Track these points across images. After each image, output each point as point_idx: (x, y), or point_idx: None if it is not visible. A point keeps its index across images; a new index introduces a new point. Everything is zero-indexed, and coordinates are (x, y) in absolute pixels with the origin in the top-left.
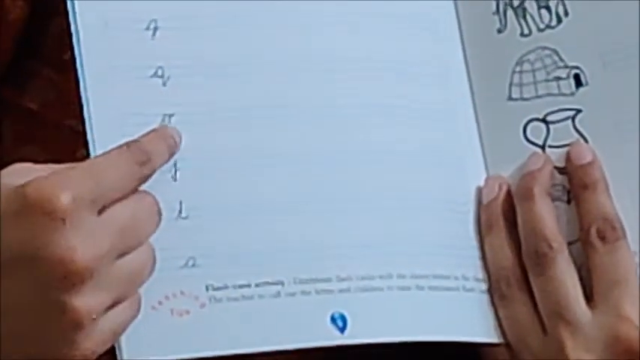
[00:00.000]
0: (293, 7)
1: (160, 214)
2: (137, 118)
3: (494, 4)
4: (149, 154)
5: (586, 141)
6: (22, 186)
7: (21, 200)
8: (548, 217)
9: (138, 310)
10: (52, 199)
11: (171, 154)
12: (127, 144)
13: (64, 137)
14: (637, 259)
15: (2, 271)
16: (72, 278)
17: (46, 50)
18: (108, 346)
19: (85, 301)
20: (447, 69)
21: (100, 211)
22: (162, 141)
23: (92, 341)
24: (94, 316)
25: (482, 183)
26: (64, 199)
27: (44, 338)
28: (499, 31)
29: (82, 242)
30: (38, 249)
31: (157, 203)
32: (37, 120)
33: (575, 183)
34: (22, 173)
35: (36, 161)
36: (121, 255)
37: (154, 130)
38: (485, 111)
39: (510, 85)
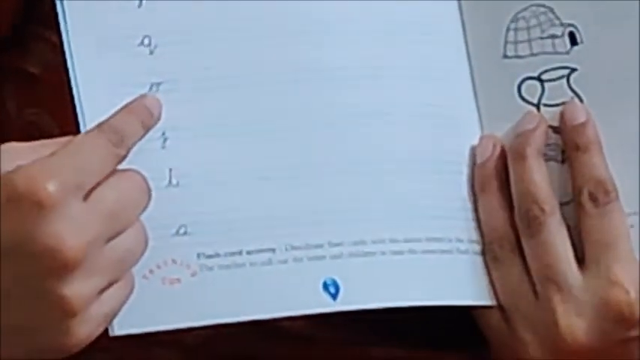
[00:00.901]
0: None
1: (149, 191)
2: (125, 88)
3: None
4: (122, 132)
5: (581, 100)
6: (9, 175)
7: (8, 190)
8: (540, 178)
9: (131, 290)
10: (39, 188)
11: (148, 127)
12: (100, 126)
13: (66, 98)
14: (635, 220)
15: None
16: (62, 267)
17: (45, 13)
18: (103, 328)
19: (77, 288)
20: (442, 26)
21: (86, 196)
22: (133, 117)
23: (87, 327)
24: (87, 303)
25: (476, 142)
26: (51, 187)
27: (38, 328)
28: None
29: (70, 230)
30: (27, 239)
31: (144, 180)
32: (39, 84)
33: (568, 143)
34: (12, 155)
35: (41, 124)
36: (112, 237)
37: (125, 107)
38: (480, 69)
39: (505, 42)
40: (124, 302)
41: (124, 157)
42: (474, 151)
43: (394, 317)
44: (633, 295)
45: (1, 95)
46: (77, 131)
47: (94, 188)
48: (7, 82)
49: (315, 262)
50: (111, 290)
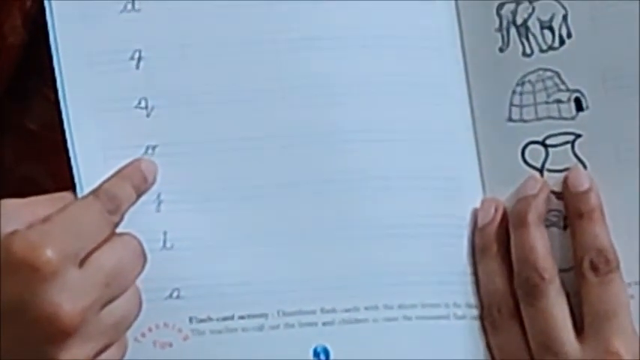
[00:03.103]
0: (281, 33)
1: (144, 255)
2: (120, 150)
3: (497, 21)
4: (117, 200)
5: (585, 167)
6: (7, 240)
7: (6, 255)
8: (541, 246)
9: (125, 352)
10: (38, 256)
11: (142, 192)
12: (95, 192)
13: (64, 154)
14: (635, 290)
15: None
16: (59, 334)
17: (45, 71)
18: None
19: (73, 354)
20: (448, 88)
21: (82, 262)
22: (127, 183)
23: None
24: None
25: (478, 205)
26: (50, 254)
27: None
28: (501, 49)
29: (67, 297)
30: (25, 306)
31: (140, 245)
32: (37, 140)
33: (570, 211)
34: (7, 213)
35: (37, 178)
36: (108, 302)
37: (120, 171)
38: (484, 131)
39: (510, 105)
40: None
41: (118, 223)
42: (475, 214)
43: None
44: None
45: None
46: (73, 190)
47: (90, 254)
48: (6, 136)
49: (306, 329)
50: (106, 353)
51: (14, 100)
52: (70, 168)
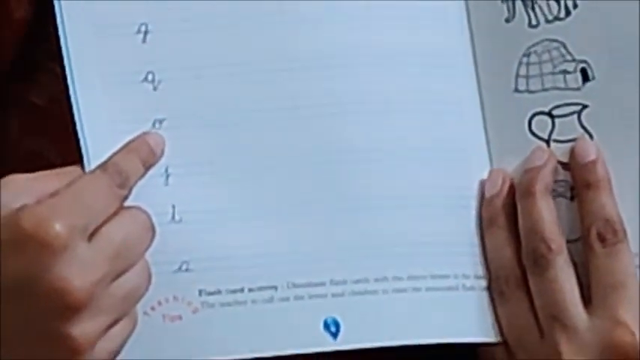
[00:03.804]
0: (290, 2)
1: (153, 229)
2: (128, 124)
3: None
4: (125, 173)
5: (591, 137)
6: (16, 215)
7: (15, 230)
8: (548, 216)
9: (135, 326)
10: (47, 230)
11: (150, 166)
12: (103, 166)
13: (70, 130)
14: (638, 261)
15: (0, 301)
16: (69, 308)
17: (51, 45)
18: None
19: (83, 328)
20: (454, 60)
21: (91, 236)
22: (136, 156)
23: None
24: (94, 342)
25: (485, 176)
26: (59, 228)
27: None
28: (507, 20)
29: (77, 271)
30: (35, 280)
31: (149, 218)
32: (43, 114)
33: (577, 181)
34: (15, 189)
35: (44, 153)
36: (117, 276)
37: (127, 145)
38: (490, 102)
39: (517, 76)
40: (127, 340)
41: (126, 197)
42: (482, 185)
43: (397, 353)
44: (639, 336)
45: (4, 123)
46: (80, 164)
47: (98, 228)
48: (11, 111)
49: (316, 301)
50: (116, 327)
51: (20, 74)
52: (78, 142)
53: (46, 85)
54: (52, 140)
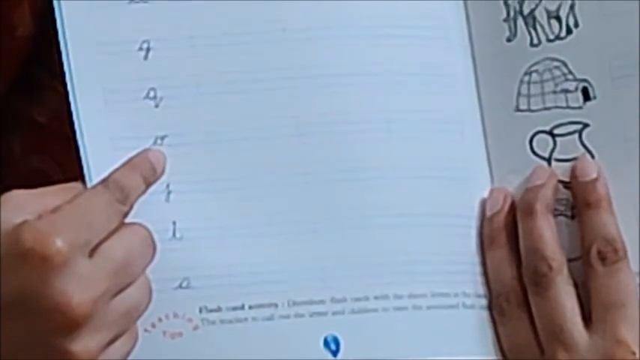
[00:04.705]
0: (293, 22)
1: (154, 245)
2: (129, 141)
3: (504, 11)
4: (126, 189)
5: (592, 156)
6: (17, 231)
7: (16, 246)
8: (548, 235)
9: (135, 342)
10: (48, 246)
11: (151, 183)
12: (104, 182)
13: (72, 148)
14: (638, 280)
15: (1, 316)
16: (70, 324)
17: (54, 63)
18: None
19: (83, 344)
20: (456, 78)
21: (92, 252)
22: (136, 173)
23: None
24: (94, 357)
25: (486, 195)
26: (60, 244)
27: None
28: (508, 39)
29: (77, 287)
30: (35, 296)
31: (150, 234)
32: (45, 132)
33: (578, 200)
34: (16, 204)
35: (46, 170)
36: (118, 292)
37: (129, 161)
38: (492, 121)
39: (518, 95)
40: (127, 355)
41: (127, 213)
42: (483, 204)
43: None
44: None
45: (7, 139)
46: (82, 182)
47: (99, 244)
48: (14, 128)
49: (316, 319)
50: (117, 343)
51: (22, 92)
52: (79, 159)
53: (48, 103)
54: (54, 158)
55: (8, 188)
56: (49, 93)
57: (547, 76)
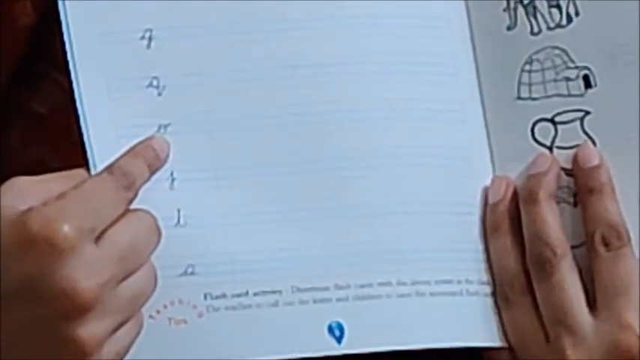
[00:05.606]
0: (294, 12)
1: (159, 231)
2: (132, 130)
3: (504, 1)
4: (131, 176)
5: (594, 143)
6: (23, 217)
7: (23, 232)
8: (552, 221)
9: (141, 328)
10: (55, 231)
11: (155, 170)
12: (109, 169)
13: (73, 137)
14: None
15: (6, 303)
16: (76, 310)
17: (54, 54)
18: None
19: (90, 330)
20: (457, 68)
21: (97, 238)
22: (140, 160)
23: None
24: (101, 343)
25: (488, 183)
26: (67, 230)
27: None
28: (509, 28)
29: (84, 273)
30: (42, 282)
31: (155, 220)
32: (45, 123)
33: (581, 186)
34: (19, 191)
35: (46, 162)
36: (124, 278)
37: (133, 149)
38: (493, 110)
39: (519, 84)
40: (133, 342)
41: (132, 200)
42: (486, 192)
43: (401, 357)
44: None
45: (7, 131)
46: (87, 170)
47: (105, 230)
48: (14, 119)
49: (320, 305)
50: (123, 329)
51: (23, 83)
52: (84, 147)
53: (49, 94)
54: (54, 149)
55: (8, 179)
56: (49, 84)
57: (548, 64)
